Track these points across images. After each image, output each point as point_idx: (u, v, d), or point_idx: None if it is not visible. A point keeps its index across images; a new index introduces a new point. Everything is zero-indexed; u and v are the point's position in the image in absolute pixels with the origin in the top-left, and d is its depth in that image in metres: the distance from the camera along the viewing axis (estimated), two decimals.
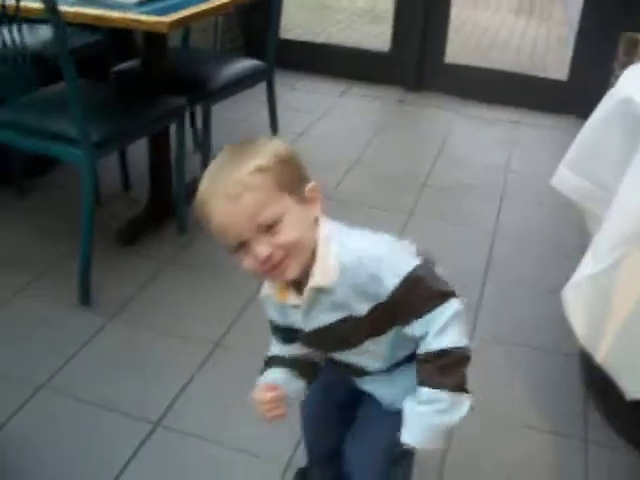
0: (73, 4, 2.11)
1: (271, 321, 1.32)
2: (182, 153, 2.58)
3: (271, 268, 1.11)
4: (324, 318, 1.19)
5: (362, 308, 1.16)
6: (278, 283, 1.20)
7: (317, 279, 1.14)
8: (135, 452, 1.75)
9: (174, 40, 2.82)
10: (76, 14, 2.08)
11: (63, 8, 1.98)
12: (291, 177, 1.12)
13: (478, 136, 3.83)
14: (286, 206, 1.10)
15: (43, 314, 2.21)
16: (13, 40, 2.11)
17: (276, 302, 1.24)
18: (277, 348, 1.35)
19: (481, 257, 2.69)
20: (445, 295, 1.16)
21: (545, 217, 3.03)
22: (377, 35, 5.44)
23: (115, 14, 2.08)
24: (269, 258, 1.09)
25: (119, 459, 1.73)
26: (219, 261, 2.50)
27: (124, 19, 2.07)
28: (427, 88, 4.32)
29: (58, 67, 2.08)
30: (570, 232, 2.81)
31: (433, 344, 1.14)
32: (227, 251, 1.14)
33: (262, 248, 1.09)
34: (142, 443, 1.78)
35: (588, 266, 1.68)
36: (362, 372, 1.30)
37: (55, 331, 2.14)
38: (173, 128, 2.58)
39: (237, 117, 3.71)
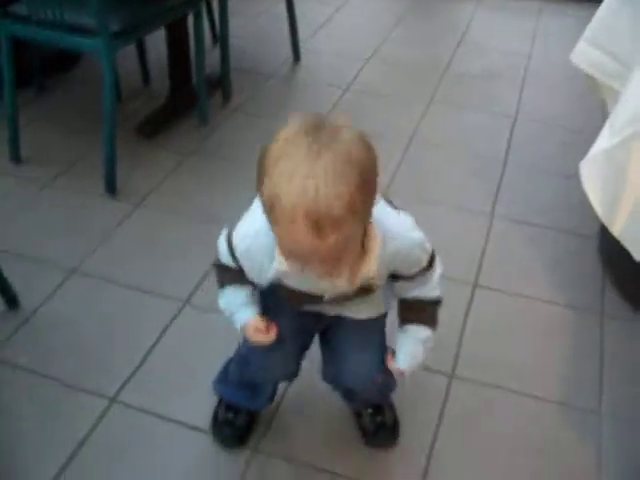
0: None
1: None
2: (201, 44, 2.58)
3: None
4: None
5: (381, 280, 1.23)
6: None
7: (363, 276, 1.16)
8: (165, 328, 1.84)
9: None
10: None
11: None
12: (371, 202, 1.02)
13: (499, 26, 3.75)
14: (356, 238, 1.06)
15: (72, 204, 2.27)
16: None
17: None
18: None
19: (501, 142, 2.70)
20: (435, 256, 1.27)
21: (567, 103, 3.01)
22: None
23: None
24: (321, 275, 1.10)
25: (151, 335, 1.82)
26: (240, 150, 2.54)
27: None
28: None
29: None
30: (592, 118, 2.76)
31: (432, 293, 1.31)
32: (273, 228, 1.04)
33: (319, 272, 1.08)
34: (172, 320, 1.86)
35: (604, 140, 1.69)
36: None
37: (84, 219, 2.21)
38: (190, 21, 2.58)
39: (254, 11, 3.67)
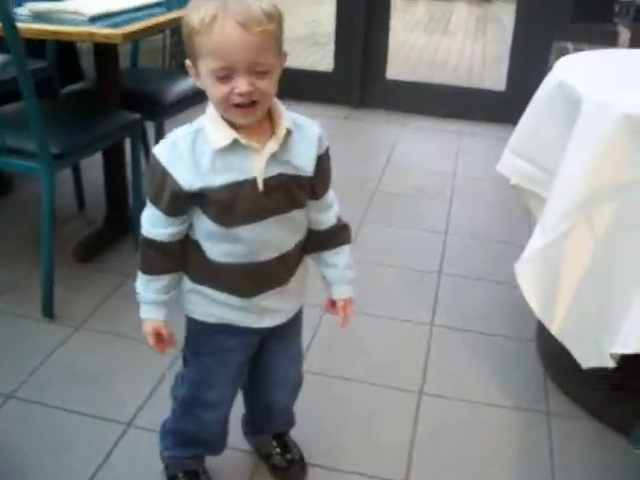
0: (27, 22, 2.16)
1: (179, 191, 1.26)
2: (138, 168, 2.62)
3: (244, 104, 1.19)
4: (280, 168, 1.28)
5: (309, 167, 1.32)
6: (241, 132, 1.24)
7: (286, 123, 1.26)
8: (108, 454, 1.76)
9: (123, 62, 2.87)
10: (33, 30, 2.13)
11: (20, 25, 2.03)
12: (282, 35, 1.21)
13: (424, 146, 3.95)
14: (275, 61, 1.20)
15: (8, 329, 2.22)
16: None
17: (234, 150, 1.24)
18: (165, 232, 1.32)
19: (435, 255, 2.78)
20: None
21: (494, 216, 3.15)
22: (319, 59, 5.58)
23: (72, 28, 2.14)
24: (248, 95, 1.17)
25: (92, 462, 1.74)
26: None
27: (80, 33, 2.13)
28: (371, 105, 4.44)
29: (5, 92, 2.23)
30: (517, 229, 2.92)
31: (336, 213, 1.46)
32: (203, 72, 1.19)
33: (247, 84, 1.16)
34: (114, 445, 1.79)
35: (537, 241, 1.76)
36: (278, 267, 1.38)
37: (21, 343, 2.15)
38: (127, 147, 2.63)
39: None
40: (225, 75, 1.16)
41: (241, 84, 1.16)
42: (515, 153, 2.00)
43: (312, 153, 1.32)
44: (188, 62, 1.23)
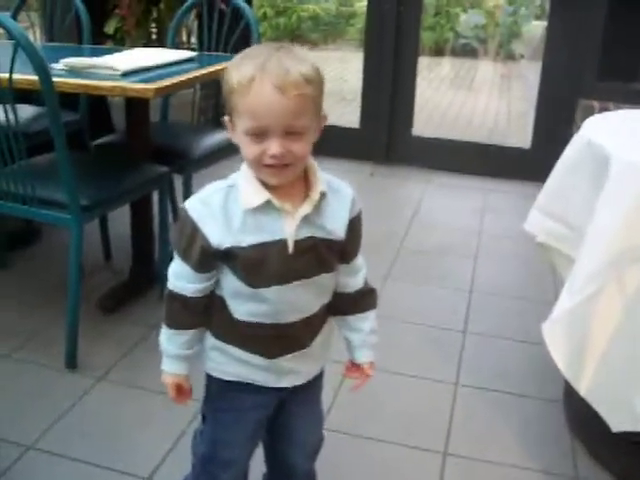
0: (62, 77, 2.21)
1: (208, 247, 1.24)
2: (166, 221, 2.65)
3: (276, 165, 1.18)
4: (311, 231, 1.27)
5: (341, 231, 1.30)
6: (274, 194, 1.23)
7: (321, 186, 1.25)
8: None
9: (153, 116, 2.92)
10: (68, 84, 2.19)
11: (56, 79, 2.08)
12: (321, 98, 1.21)
13: (449, 203, 3.96)
14: (312, 124, 1.20)
15: (30, 378, 2.22)
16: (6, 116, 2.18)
17: (266, 211, 1.23)
18: (192, 287, 1.30)
19: (460, 313, 2.75)
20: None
21: (519, 274, 3.13)
22: (345, 115, 5.63)
23: (105, 83, 2.20)
24: (280, 157, 1.17)
25: None
26: None
27: (114, 87, 2.19)
28: (397, 161, 4.47)
29: (37, 143, 2.28)
30: (545, 286, 2.89)
31: (364, 276, 1.45)
32: (239, 130, 1.19)
33: (279, 146, 1.16)
34: None
35: (565, 301, 1.74)
36: (302, 329, 1.35)
37: (43, 394, 2.15)
38: (155, 199, 2.66)
39: None
40: (259, 135, 1.17)
41: (274, 146, 1.16)
42: (543, 212, 1.99)
43: (344, 217, 1.31)
44: (226, 117, 1.23)
